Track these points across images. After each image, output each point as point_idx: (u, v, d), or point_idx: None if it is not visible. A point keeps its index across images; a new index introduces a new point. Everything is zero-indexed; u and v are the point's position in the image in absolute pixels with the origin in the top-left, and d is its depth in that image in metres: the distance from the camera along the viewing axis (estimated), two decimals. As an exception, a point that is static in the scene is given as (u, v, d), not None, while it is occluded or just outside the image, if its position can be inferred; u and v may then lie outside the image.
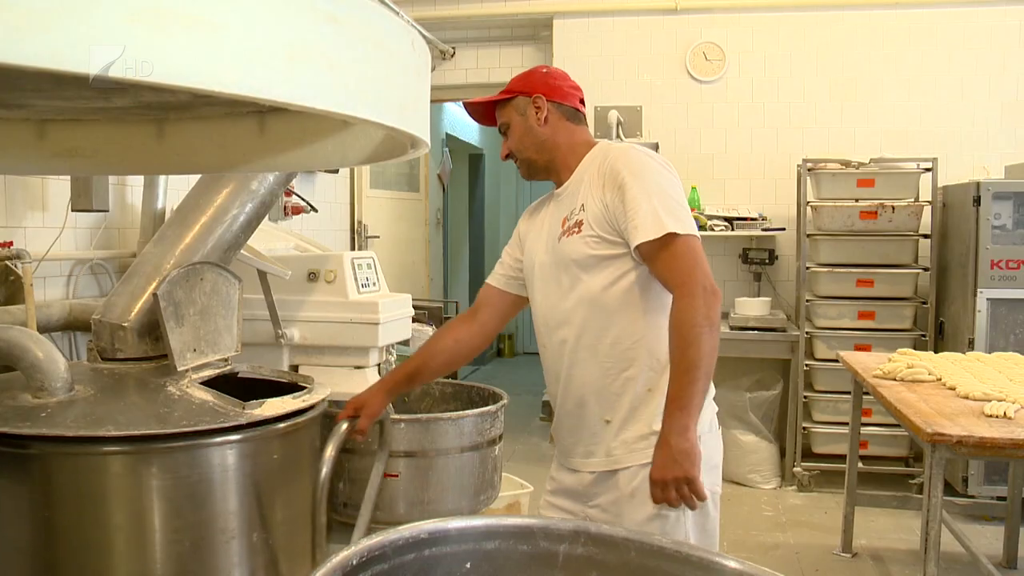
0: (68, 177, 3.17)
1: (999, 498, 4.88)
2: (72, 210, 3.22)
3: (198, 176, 2.84)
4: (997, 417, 3.02)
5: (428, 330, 5.44)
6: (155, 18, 0.62)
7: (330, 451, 2.42)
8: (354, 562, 1.19)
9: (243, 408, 2.18)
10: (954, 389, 3.42)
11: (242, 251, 2.94)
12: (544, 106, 2.37)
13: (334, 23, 0.67)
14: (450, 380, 3.97)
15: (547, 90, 2.39)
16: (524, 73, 2.49)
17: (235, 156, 1.34)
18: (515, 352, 11.22)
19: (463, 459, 3.27)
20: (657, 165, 2.23)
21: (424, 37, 6.43)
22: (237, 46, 0.62)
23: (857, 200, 5.60)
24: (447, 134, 8.70)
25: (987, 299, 5.11)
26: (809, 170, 5.71)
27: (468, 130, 9.58)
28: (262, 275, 3.20)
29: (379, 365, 3.39)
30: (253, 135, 1.29)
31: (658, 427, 2.08)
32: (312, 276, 3.37)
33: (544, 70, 2.47)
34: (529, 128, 2.39)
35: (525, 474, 4.65)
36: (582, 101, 2.45)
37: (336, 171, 5.94)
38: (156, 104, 1.25)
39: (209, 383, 2.37)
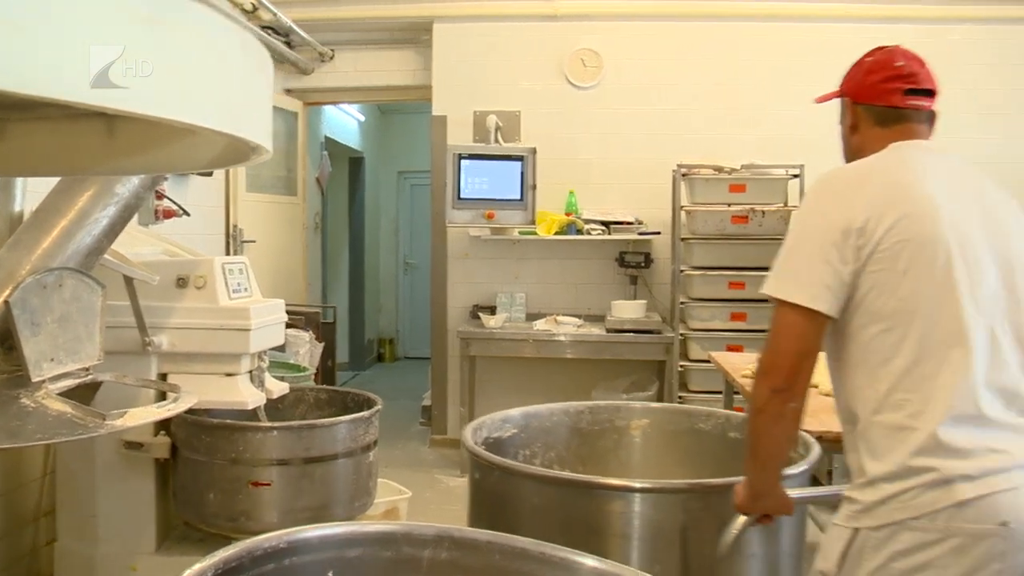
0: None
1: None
2: (-80, 213, 3.06)
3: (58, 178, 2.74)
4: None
5: (304, 336, 5.38)
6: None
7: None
8: (209, 574, 1.16)
9: (103, 419, 2.11)
10: (816, 387, 3.54)
11: (106, 256, 2.84)
12: (852, 111, 2.09)
13: (151, 24, 0.65)
14: (325, 386, 3.93)
15: (856, 90, 2.08)
16: (853, 64, 2.16)
17: (82, 159, 1.29)
18: (396, 357, 11.16)
19: (337, 466, 3.24)
20: (808, 206, 1.94)
21: (302, 38, 6.35)
22: (42, 47, 0.60)
23: (729, 205, 5.76)
24: (326, 137, 8.59)
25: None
26: (683, 175, 5.86)
27: (348, 133, 9.48)
28: (128, 281, 3.10)
29: (251, 372, 3.32)
30: (101, 137, 1.25)
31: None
32: (181, 282, 3.29)
33: (868, 60, 2.11)
34: (844, 136, 2.13)
35: (404, 480, 4.62)
36: (914, 90, 2.02)
37: (210, 174, 5.80)
38: (-5, 104, 1.21)
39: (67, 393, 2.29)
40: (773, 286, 1.85)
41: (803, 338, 1.81)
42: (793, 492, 2.06)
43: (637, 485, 2.34)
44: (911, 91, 2.02)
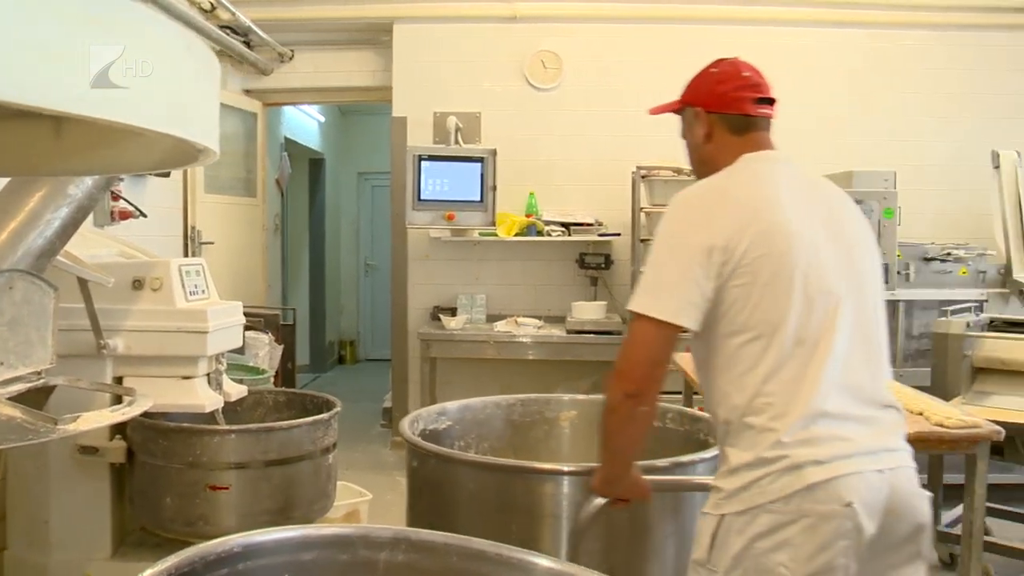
0: None
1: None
2: None
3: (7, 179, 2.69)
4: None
5: (264, 338, 5.33)
6: None
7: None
8: (160, 580, 1.15)
9: (55, 423, 2.08)
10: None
11: (59, 257, 2.80)
12: (704, 121, 2.15)
13: (93, 25, 0.64)
14: (284, 389, 3.90)
15: (709, 100, 2.15)
16: (696, 75, 2.22)
17: (29, 159, 1.27)
18: (357, 359, 11.11)
19: (296, 469, 3.22)
20: (670, 225, 2.01)
21: (261, 38, 6.30)
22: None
23: (688, 206, 5.78)
24: (286, 138, 8.53)
25: (807, 301, 5.37)
26: (643, 177, 5.89)
27: (308, 134, 9.43)
28: (82, 283, 3.06)
29: (209, 375, 3.29)
30: (48, 138, 1.23)
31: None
32: (137, 284, 3.24)
33: (714, 71, 2.19)
34: (695, 146, 2.20)
35: (365, 482, 4.60)
36: (762, 99, 2.13)
37: (168, 174, 5.74)
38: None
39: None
40: (641, 303, 1.94)
41: (658, 349, 1.94)
42: (650, 478, 2.23)
43: (566, 468, 2.53)
44: (760, 100, 2.12)
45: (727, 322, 1.92)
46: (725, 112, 2.13)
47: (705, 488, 2.30)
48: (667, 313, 1.90)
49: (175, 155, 1.16)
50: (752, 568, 1.84)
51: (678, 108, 2.24)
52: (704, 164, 2.16)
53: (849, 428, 1.88)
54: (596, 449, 2.40)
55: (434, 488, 2.65)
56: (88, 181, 2.64)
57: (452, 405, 3.25)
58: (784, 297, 1.89)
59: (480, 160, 6.05)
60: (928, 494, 1.98)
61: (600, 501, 2.17)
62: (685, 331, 1.93)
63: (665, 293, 1.92)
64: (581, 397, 3.47)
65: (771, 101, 2.15)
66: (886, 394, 2.00)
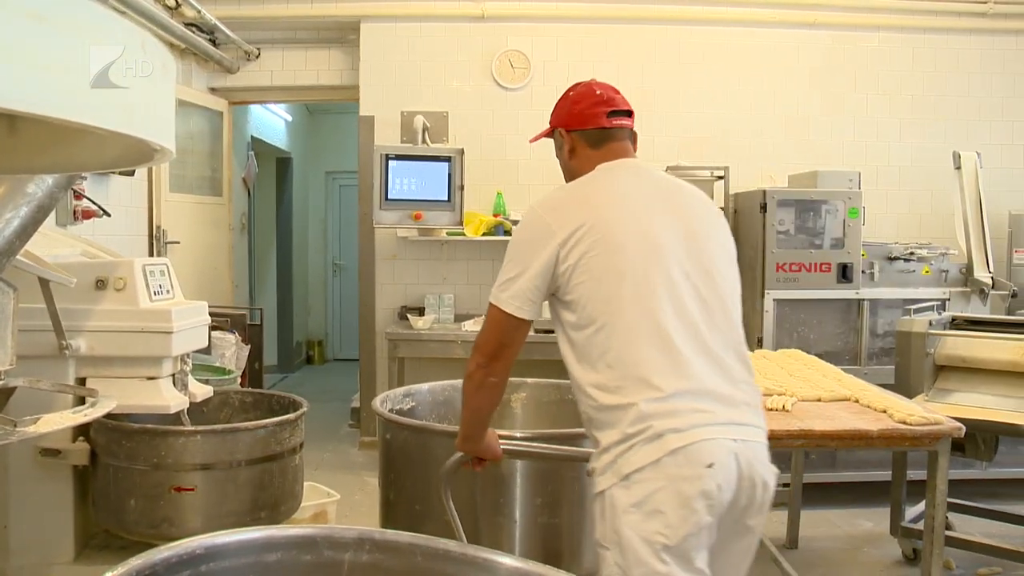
0: None
1: (783, 485, 5.19)
2: None
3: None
4: (776, 411, 3.21)
5: (231, 338, 5.30)
6: None
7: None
8: (121, 583, 1.14)
9: (14, 425, 2.05)
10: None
11: (19, 257, 2.76)
12: (567, 139, 2.37)
13: (40, 22, 0.63)
14: (250, 389, 3.87)
15: (568, 120, 2.38)
16: (558, 101, 2.46)
17: (-17, 158, 1.25)
18: (325, 359, 11.06)
19: (262, 469, 3.20)
20: (520, 230, 2.28)
21: (227, 36, 6.26)
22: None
23: (655, 206, 5.80)
24: (253, 137, 8.47)
25: (773, 299, 5.43)
26: (609, 177, 5.89)
27: (275, 133, 9.37)
28: (44, 283, 3.02)
29: (174, 375, 3.26)
30: (3, 136, 1.21)
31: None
32: (100, 284, 3.21)
33: (571, 94, 2.44)
34: (564, 164, 2.43)
35: (334, 482, 4.59)
36: (615, 112, 2.35)
37: (132, 173, 5.68)
38: None
39: None
40: (495, 296, 2.23)
41: (505, 334, 2.23)
42: (504, 444, 2.54)
43: (519, 434, 2.96)
44: (613, 112, 2.35)
45: (576, 317, 2.14)
46: (583, 128, 2.35)
47: (559, 457, 2.84)
48: (511, 307, 2.19)
49: (131, 154, 1.15)
50: (635, 541, 1.97)
51: (550, 133, 2.47)
52: (572, 177, 2.38)
53: (706, 402, 2.04)
54: (544, 426, 2.88)
55: (405, 456, 3.12)
56: (48, 179, 2.60)
57: (416, 387, 3.69)
58: (617, 289, 2.08)
59: (447, 160, 6.04)
60: (776, 471, 2.13)
61: (460, 456, 2.50)
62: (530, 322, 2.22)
63: (512, 290, 2.19)
64: (530, 381, 3.81)
65: (627, 113, 2.38)
66: (740, 370, 2.15)
